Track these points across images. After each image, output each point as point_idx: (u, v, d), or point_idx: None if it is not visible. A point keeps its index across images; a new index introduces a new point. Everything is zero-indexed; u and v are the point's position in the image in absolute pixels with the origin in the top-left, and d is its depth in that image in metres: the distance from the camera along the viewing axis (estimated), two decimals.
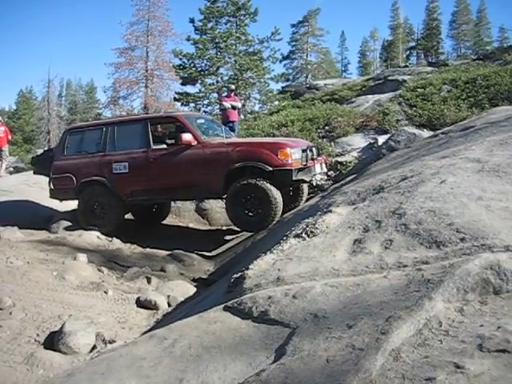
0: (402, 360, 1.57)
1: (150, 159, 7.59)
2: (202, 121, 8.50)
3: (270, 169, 6.69)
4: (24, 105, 54.27)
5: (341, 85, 30.24)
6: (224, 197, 7.46)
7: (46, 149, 10.12)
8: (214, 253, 7.49)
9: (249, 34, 23.23)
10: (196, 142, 7.28)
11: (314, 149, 7.64)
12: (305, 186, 7.89)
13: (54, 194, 8.53)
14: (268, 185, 6.71)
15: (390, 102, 14.70)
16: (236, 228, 8.73)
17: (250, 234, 7.48)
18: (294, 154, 6.80)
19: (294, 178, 6.75)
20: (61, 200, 8.66)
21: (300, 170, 6.85)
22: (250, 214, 6.97)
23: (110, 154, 7.92)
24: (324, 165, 8.01)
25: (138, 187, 7.77)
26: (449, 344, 1.60)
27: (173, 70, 25.49)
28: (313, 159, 7.33)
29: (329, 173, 11.12)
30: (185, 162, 7.35)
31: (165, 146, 7.87)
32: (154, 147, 7.75)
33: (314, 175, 7.28)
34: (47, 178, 8.67)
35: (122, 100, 30.30)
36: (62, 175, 8.22)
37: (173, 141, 7.91)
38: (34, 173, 9.40)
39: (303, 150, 7.04)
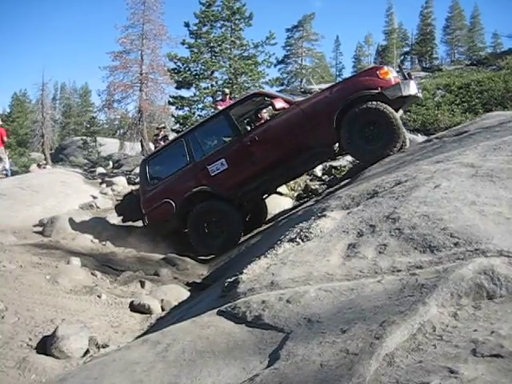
0: (396, 365, 1.56)
1: (248, 143, 7.13)
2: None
3: (378, 91, 6.30)
4: (18, 108, 53.92)
5: None
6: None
7: (124, 194, 9.76)
8: (208, 257, 7.48)
9: (244, 38, 23.24)
10: (288, 105, 6.94)
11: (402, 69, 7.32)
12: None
13: (154, 230, 7.87)
14: (386, 106, 6.25)
15: None
16: None
17: (243, 238, 7.46)
18: (392, 72, 6.56)
19: (404, 94, 6.32)
20: (164, 234, 7.84)
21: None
22: (371, 143, 6.40)
23: (200, 160, 7.46)
24: None
25: (245, 176, 7.19)
26: (443, 349, 1.60)
27: (167, 74, 25.42)
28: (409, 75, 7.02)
29: (323, 177, 11.17)
30: (287, 128, 6.92)
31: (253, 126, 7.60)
32: (246, 131, 7.51)
33: (419, 89, 6.92)
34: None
35: (116, 103, 30.14)
36: (156, 205, 7.69)
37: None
38: (124, 221, 8.76)
39: (396, 71, 6.76)
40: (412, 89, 6.45)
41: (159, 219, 7.70)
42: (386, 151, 6.20)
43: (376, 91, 6.31)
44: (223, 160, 7.23)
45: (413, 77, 7.14)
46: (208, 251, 7.42)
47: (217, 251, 7.20)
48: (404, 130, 6.65)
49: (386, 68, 6.59)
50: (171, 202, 7.51)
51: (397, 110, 6.58)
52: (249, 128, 7.96)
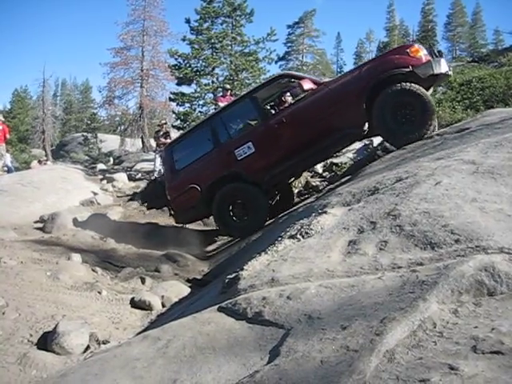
0: (397, 361, 1.56)
1: (275, 125, 6.91)
2: None
3: (409, 69, 6.08)
4: (19, 104, 53.79)
5: None
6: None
7: (148, 182, 9.68)
8: (208, 253, 7.48)
9: (244, 34, 23.17)
10: (316, 86, 6.73)
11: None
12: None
13: (180, 217, 7.82)
14: (419, 87, 6.05)
15: None
16: None
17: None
18: (423, 50, 6.37)
19: (435, 72, 6.10)
20: (190, 221, 7.86)
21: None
22: (405, 125, 6.15)
23: (227, 144, 7.24)
24: None
25: (272, 159, 6.97)
26: (443, 345, 1.60)
27: (168, 70, 25.44)
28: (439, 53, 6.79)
29: (324, 174, 11.16)
30: (315, 109, 6.72)
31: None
32: (272, 113, 7.39)
33: (449, 67, 6.70)
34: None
35: (117, 100, 30.25)
36: (182, 191, 7.47)
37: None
38: (148, 208, 8.77)
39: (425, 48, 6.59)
40: (443, 67, 6.28)
41: (185, 205, 7.52)
42: (419, 133, 6.03)
43: (407, 69, 6.13)
44: (250, 144, 7.04)
45: (443, 55, 6.93)
46: (232, 233, 7.33)
47: (241, 234, 7.06)
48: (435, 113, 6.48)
49: (416, 46, 6.42)
50: (197, 187, 7.31)
51: (427, 89, 6.41)
52: (273, 111, 7.80)
